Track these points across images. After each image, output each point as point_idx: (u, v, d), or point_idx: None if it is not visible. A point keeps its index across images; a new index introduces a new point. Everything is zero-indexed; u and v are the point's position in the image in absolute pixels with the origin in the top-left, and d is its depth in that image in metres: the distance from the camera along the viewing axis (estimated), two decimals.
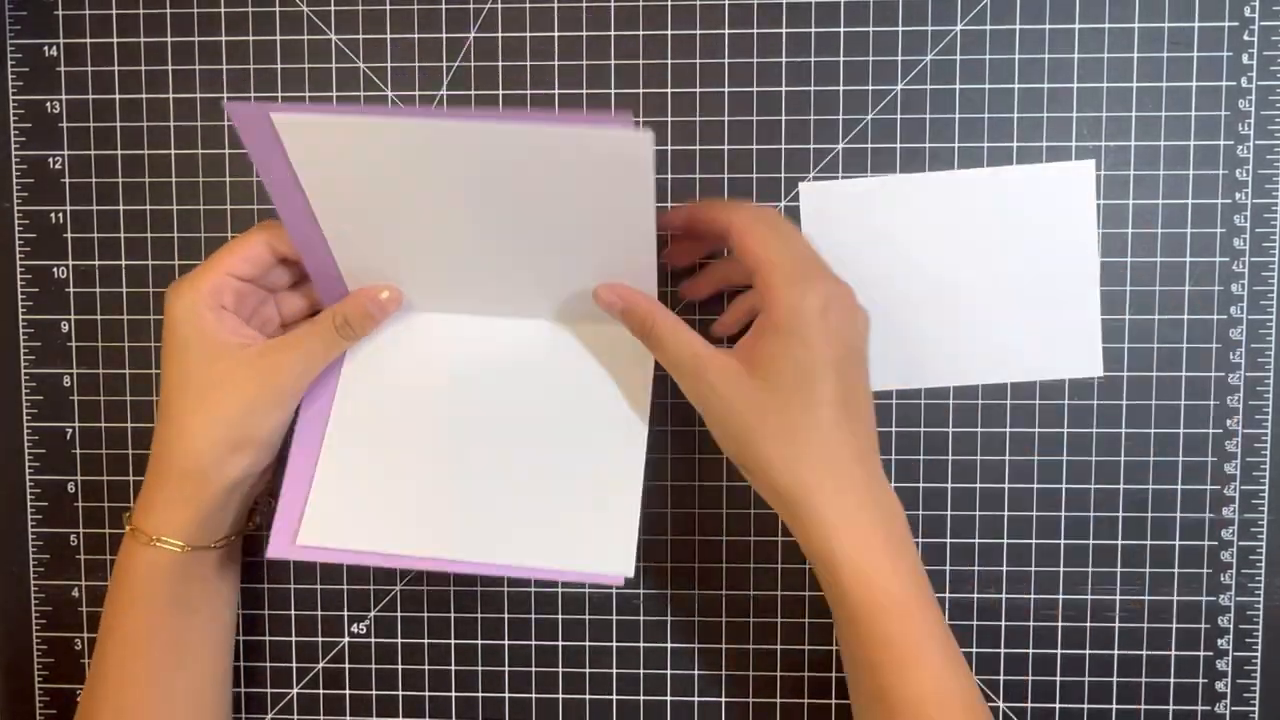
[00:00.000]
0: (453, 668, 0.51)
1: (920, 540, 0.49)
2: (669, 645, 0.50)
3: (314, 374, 0.45)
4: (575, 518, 0.44)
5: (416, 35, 0.49)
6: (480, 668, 0.51)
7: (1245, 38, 0.47)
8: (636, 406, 0.45)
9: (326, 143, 0.39)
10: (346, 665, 0.51)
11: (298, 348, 0.44)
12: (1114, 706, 0.49)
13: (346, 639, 0.51)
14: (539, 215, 0.41)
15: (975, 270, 0.48)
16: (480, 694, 0.51)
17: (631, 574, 0.43)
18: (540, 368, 0.46)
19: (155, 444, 0.44)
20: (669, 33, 0.48)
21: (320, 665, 0.51)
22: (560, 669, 0.51)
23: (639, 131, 0.37)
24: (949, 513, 0.49)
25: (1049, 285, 0.48)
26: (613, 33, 0.48)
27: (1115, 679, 0.49)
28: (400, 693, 0.51)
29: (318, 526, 0.44)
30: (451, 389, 0.46)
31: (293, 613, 0.51)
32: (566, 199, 0.40)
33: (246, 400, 0.43)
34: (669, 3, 0.48)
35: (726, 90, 0.48)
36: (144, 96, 0.50)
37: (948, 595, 0.49)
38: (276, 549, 0.44)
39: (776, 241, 0.41)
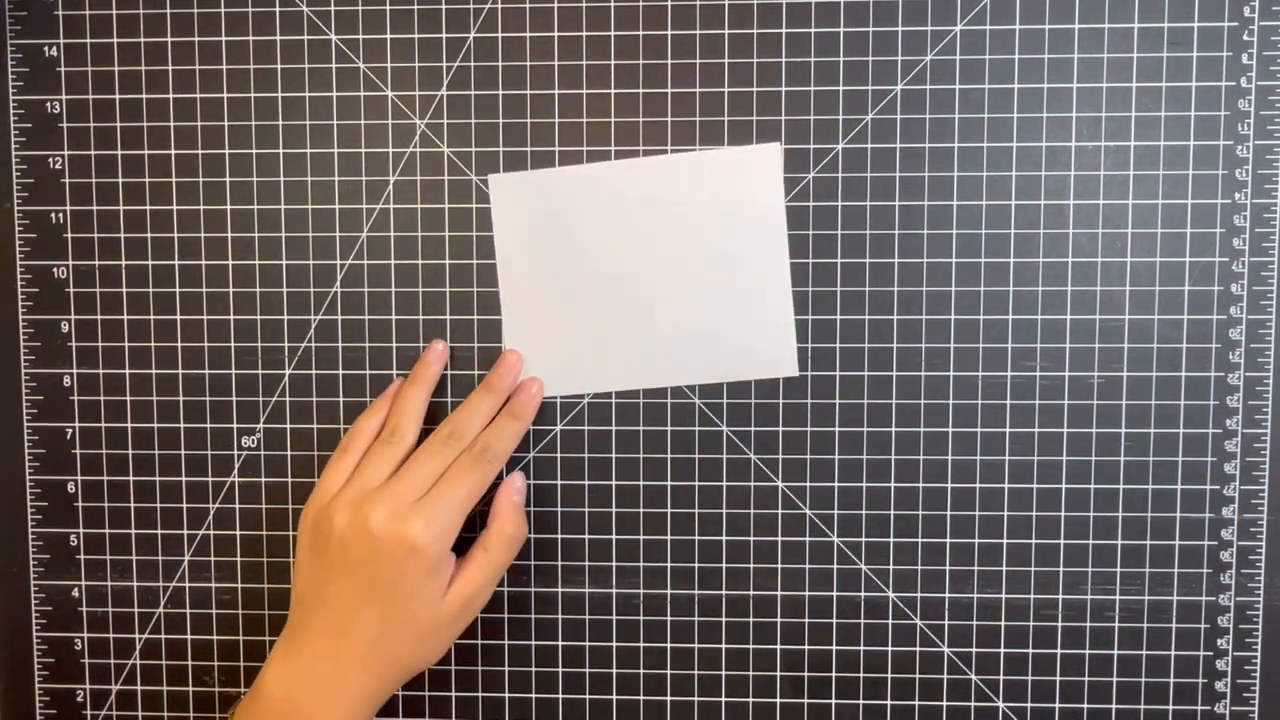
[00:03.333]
0: (453, 668, 0.51)
1: (920, 540, 0.49)
2: (669, 645, 0.50)
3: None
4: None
5: (416, 35, 0.49)
6: (480, 668, 0.51)
7: (1245, 38, 0.47)
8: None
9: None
10: None
11: (483, 573, 0.46)
12: (1114, 706, 0.49)
13: None
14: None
15: (663, 262, 0.48)
16: (480, 694, 0.51)
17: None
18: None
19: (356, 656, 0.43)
20: (669, 33, 0.48)
21: None
22: (560, 669, 0.51)
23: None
24: (949, 513, 0.49)
25: (738, 278, 0.48)
26: (613, 33, 0.48)
27: (1115, 679, 0.49)
28: (400, 692, 0.51)
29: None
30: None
31: None
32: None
33: (456, 635, 0.46)
34: (669, 3, 0.48)
35: (726, 90, 0.48)
36: (144, 96, 0.50)
37: (947, 595, 0.49)
38: None
39: None
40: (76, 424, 0.51)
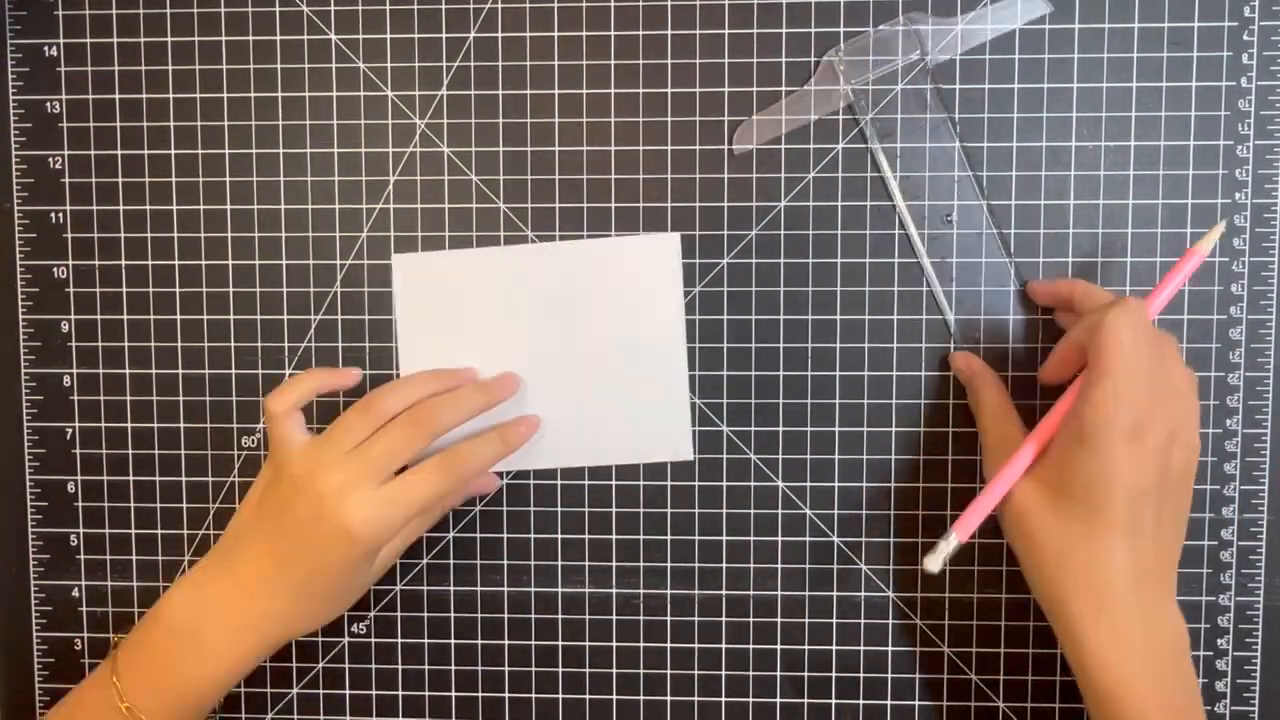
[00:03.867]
0: (453, 668, 0.51)
1: (920, 540, 0.49)
2: (669, 645, 0.50)
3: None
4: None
5: (416, 35, 0.49)
6: (480, 668, 0.51)
7: (1245, 38, 0.47)
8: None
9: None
10: (346, 665, 0.51)
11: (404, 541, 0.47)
12: None
13: (346, 639, 0.51)
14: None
15: (564, 346, 0.49)
16: (480, 694, 0.51)
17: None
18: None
19: (244, 609, 0.43)
20: (669, 33, 0.48)
21: (320, 665, 0.51)
22: (560, 669, 0.51)
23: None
24: (949, 513, 0.49)
25: (635, 363, 0.49)
26: (613, 33, 0.48)
27: None
28: (400, 693, 0.51)
29: None
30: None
31: None
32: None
33: (360, 594, 0.46)
34: (669, 3, 0.48)
35: (726, 90, 0.48)
36: (144, 96, 0.50)
37: (947, 595, 0.49)
38: None
39: (1123, 352, 0.40)
40: (76, 424, 0.51)
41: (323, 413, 0.50)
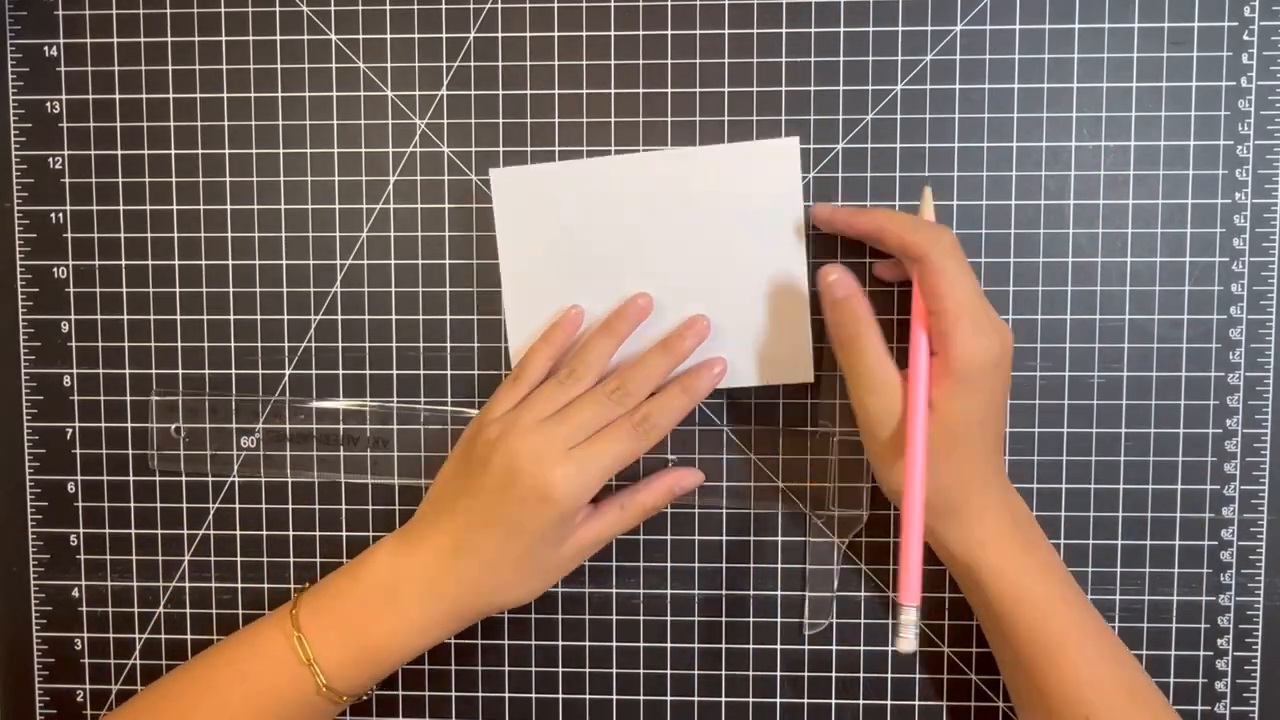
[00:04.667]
0: (453, 668, 0.51)
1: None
2: (669, 645, 0.50)
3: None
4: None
5: (416, 35, 0.49)
6: (480, 668, 0.51)
7: (1245, 38, 0.47)
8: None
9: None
10: None
11: (609, 529, 0.46)
12: None
13: None
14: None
15: (674, 261, 0.47)
16: (480, 694, 0.51)
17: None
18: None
19: (443, 571, 0.44)
20: (669, 33, 0.48)
21: None
22: (560, 669, 0.51)
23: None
24: None
25: (753, 279, 0.47)
26: (613, 33, 0.48)
27: None
28: (400, 693, 0.51)
29: None
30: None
31: None
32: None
33: (559, 577, 0.46)
34: (669, 3, 0.48)
35: (726, 90, 0.48)
36: (144, 96, 0.50)
37: (948, 595, 0.49)
38: None
39: (962, 287, 0.42)
40: (76, 424, 0.51)
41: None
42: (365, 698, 0.49)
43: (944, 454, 0.42)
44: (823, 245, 0.48)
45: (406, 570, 0.44)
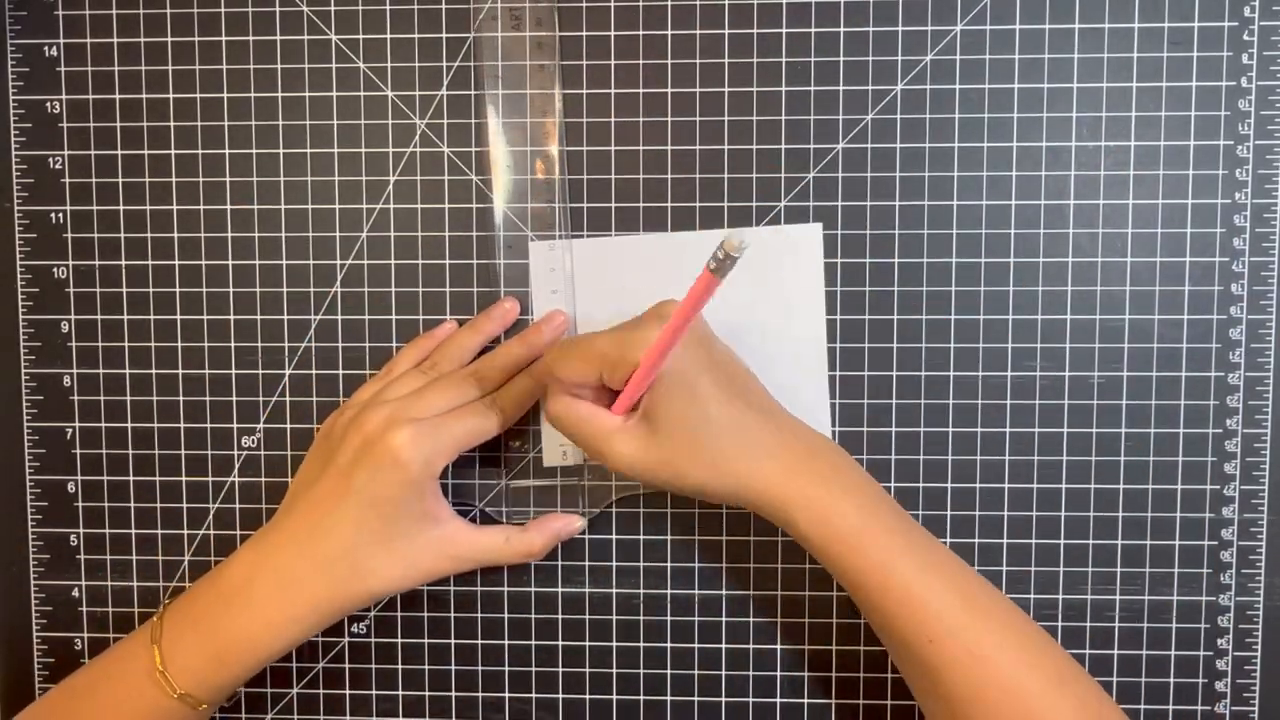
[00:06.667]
0: (453, 668, 0.51)
1: None
2: (669, 645, 0.50)
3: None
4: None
5: (416, 35, 0.49)
6: (480, 668, 0.51)
7: (1245, 38, 0.47)
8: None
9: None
10: (346, 665, 0.51)
11: (486, 550, 0.46)
12: None
13: (346, 639, 0.51)
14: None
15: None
16: (480, 694, 0.51)
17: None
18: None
19: (277, 560, 0.44)
20: (669, 33, 0.48)
21: (320, 665, 0.51)
22: (560, 669, 0.51)
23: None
24: (949, 513, 0.49)
25: (779, 349, 0.48)
26: (613, 33, 0.48)
27: (1115, 679, 0.49)
28: (400, 693, 0.51)
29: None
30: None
31: None
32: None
33: (424, 575, 0.45)
34: (669, 3, 0.48)
35: (726, 90, 0.48)
36: (144, 96, 0.50)
37: None
38: None
39: (599, 359, 0.42)
40: (76, 424, 0.51)
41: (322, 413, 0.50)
42: (228, 703, 0.49)
43: (688, 455, 0.42)
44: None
45: (263, 563, 0.44)
